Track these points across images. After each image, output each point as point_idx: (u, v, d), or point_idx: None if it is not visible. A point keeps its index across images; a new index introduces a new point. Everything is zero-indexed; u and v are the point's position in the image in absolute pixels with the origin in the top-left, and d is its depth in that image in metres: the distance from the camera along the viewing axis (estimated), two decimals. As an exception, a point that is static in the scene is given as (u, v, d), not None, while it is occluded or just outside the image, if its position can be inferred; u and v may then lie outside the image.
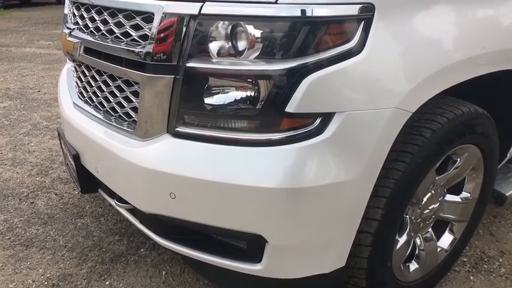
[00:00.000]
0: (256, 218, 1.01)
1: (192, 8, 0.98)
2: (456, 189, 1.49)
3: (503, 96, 1.46)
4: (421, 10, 1.02)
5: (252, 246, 1.07)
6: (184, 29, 1.00)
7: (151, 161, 1.09)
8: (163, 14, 1.02)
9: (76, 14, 1.41)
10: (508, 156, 1.63)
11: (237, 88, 1.00)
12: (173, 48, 1.02)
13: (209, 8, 0.97)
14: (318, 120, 0.98)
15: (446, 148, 1.24)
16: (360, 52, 0.95)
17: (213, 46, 0.99)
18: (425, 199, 1.36)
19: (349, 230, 1.09)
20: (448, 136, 1.21)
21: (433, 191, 1.38)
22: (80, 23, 1.38)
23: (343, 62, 0.94)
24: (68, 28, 1.44)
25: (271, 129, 0.99)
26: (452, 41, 1.08)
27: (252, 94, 0.98)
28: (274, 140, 0.99)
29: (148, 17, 1.08)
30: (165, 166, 1.07)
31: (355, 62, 0.95)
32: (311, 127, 0.98)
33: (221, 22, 0.97)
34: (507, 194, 1.66)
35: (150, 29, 1.06)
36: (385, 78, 0.99)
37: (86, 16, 1.34)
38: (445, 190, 1.45)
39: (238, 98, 1.00)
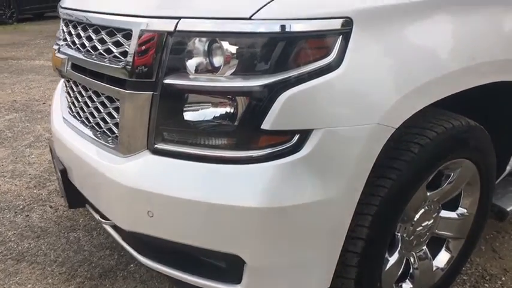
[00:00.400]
0: (232, 238, 0.98)
1: (168, 25, 0.97)
2: (452, 205, 1.44)
3: (499, 108, 1.41)
4: (403, 22, 0.99)
5: (231, 267, 1.03)
6: (161, 45, 0.99)
7: (129, 178, 1.08)
8: (140, 30, 1.02)
9: (65, 30, 1.43)
10: (508, 169, 1.57)
11: (215, 105, 0.98)
12: (151, 64, 1.01)
13: (185, 25, 0.96)
14: (296, 137, 0.95)
15: (437, 163, 1.19)
16: (338, 67, 0.93)
17: (190, 63, 0.98)
18: (417, 216, 1.31)
19: (331, 250, 1.05)
20: (437, 151, 1.17)
21: (426, 207, 1.33)
22: (68, 40, 1.39)
23: (320, 78, 0.92)
24: (57, 44, 1.45)
25: (248, 146, 0.97)
26: (437, 53, 1.04)
27: (229, 111, 0.96)
28: (252, 157, 0.97)
29: (127, 34, 1.07)
30: (143, 184, 1.05)
31: (333, 77, 0.93)
32: (289, 144, 0.96)
33: (197, 39, 0.96)
34: (508, 209, 1.59)
35: (129, 45, 1.06)
36: (365, 94, 0.96)
37: (73, 33, 1.35)
38: (440, 206, 1.40)
39: (216, 114, 0.98)
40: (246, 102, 0.94)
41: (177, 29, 0.96)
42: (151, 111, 1.05)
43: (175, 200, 1.01)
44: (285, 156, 0.95)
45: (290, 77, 0.91)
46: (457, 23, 1.07)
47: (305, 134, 0.95)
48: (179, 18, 0.96)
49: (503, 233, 1.91)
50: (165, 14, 0.99)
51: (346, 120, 0.95)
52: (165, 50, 0.99)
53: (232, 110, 0.96)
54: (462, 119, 1.25)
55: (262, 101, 0.92)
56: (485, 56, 1.15)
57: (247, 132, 0.96)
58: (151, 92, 1.03)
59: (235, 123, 0.96)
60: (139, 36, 1.02)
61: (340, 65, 0.93)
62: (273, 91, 0.91)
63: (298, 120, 0.93)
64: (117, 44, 1.12)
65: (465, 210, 1.45)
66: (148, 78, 1.02)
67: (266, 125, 0.93)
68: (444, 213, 1.42)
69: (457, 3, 1.07)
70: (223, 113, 0.97)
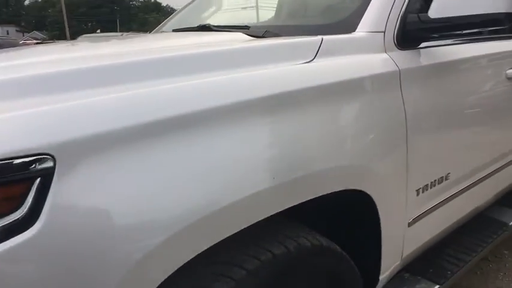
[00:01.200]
0: None
1: None
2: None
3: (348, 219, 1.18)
4: (142, 148, 0.72)
5: None
6: None
7: None
8: None
9: None
10: (382, 280, 1.29)
11: None
12: None
13: None
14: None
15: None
16: (34, 224, 0.64)
17: None
18: None
19: None
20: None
21: None
22: None
23: (3, 244, 0.63)
24: None
25: None
26: (206, 185, 0.77)
27: None
28: None
29: None
30: None
31: (25, 240, 0.63)
32: None
33: None
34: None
35: None
36: (83, 255, 0.67)
37: None
38: None
39: None
40: None
41: None
42: None
43: None
44: None
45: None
46: (235, 140, 0.83)
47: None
48: None
49: None
50: None
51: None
52: None
53: None
54: (291, 244, 0.97)
55: None
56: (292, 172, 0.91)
57: None
58: None
59: None
60: None
61: (36, 220, 0.64)
62: None
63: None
64: None
65: None
66: None
67: None
68: None
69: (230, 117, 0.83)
70: None
